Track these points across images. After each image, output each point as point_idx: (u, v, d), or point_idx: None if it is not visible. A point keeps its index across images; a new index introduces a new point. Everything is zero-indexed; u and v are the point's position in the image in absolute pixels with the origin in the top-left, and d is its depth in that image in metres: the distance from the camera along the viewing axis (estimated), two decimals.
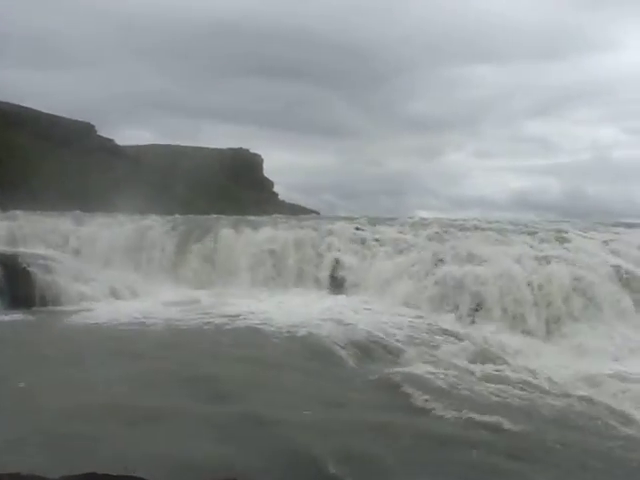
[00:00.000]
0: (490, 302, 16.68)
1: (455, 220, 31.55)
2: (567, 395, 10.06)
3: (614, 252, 20.92)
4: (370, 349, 12.63)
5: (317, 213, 79.63)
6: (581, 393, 10.30)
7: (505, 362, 12.13)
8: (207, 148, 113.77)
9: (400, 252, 20.90)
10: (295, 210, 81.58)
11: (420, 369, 10.96)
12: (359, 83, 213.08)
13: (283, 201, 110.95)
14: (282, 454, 6.81)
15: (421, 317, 15.94)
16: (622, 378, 11.79)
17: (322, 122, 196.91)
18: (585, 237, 22.99)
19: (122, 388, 9.14)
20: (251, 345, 12.59)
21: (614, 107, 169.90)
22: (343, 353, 12.16)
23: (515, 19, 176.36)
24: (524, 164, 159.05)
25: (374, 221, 27.18)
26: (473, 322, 16.33)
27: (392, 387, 9.93)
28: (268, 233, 23.20)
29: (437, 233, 22.51)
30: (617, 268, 18.40)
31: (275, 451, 6.89)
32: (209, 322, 14.89)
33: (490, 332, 15.21)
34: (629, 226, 30.83)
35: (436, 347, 12.91)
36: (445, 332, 14.41)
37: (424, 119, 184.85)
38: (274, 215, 37.64)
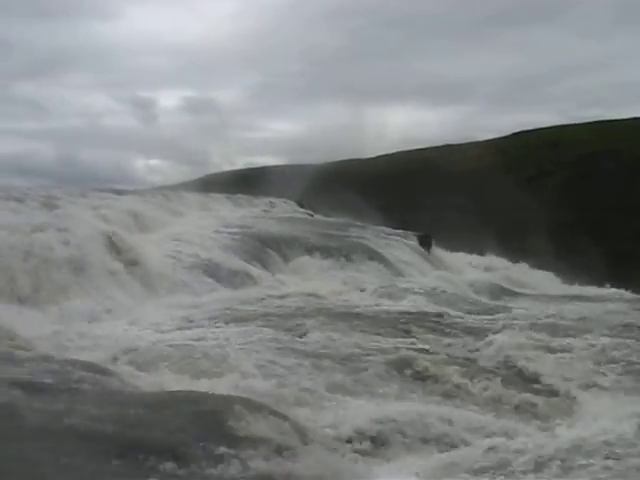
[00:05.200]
0: None
1: None
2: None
3: (103, 218, 21.83)
4: None
5: None
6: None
7: None
8: None
9: None
10: None
11: None
12: None
13: None
14: None
15: None
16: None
17: None
18: (75, 203, 23.41)
19: None
20: None
21: (106, 75, 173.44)
22: None
23: None
24: (14, 127, 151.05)
25: None
26: None
27: None
28: None
29: None
30: (106, 232, 19.14)
31: None
32: None
33: None
34: (118, 192, 32.49)
35: None
36: None
37: None
38: None
